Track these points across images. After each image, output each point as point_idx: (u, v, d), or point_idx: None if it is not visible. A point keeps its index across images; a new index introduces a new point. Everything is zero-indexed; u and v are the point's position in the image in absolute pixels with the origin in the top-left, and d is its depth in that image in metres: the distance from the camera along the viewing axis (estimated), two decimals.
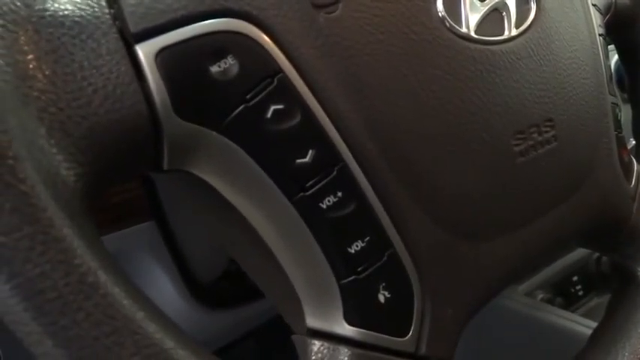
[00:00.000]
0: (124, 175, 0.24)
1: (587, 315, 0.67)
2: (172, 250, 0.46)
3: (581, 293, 0.72)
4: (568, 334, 0.61)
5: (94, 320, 0.18)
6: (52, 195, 0.18)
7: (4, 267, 0.17)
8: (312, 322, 0.25)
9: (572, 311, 0.68)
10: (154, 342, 0.19)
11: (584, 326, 0.61)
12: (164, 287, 0.48)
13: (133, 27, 0.21)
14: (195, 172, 0.24)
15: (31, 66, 0.19)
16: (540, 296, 0.68)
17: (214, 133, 0.23)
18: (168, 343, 0.19)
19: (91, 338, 0.18)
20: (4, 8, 0.19)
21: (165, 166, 0.23)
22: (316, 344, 0.24)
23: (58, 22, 0.20)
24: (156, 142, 0.22)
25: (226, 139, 0.23)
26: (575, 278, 0.71)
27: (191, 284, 0.48)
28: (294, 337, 0.26)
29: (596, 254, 0.72)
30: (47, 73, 0.19)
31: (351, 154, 0.24)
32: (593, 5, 0.35)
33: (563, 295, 0.70)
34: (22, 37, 0.19)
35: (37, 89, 0.19)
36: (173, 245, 0.46)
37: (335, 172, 0.24)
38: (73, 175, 0.19)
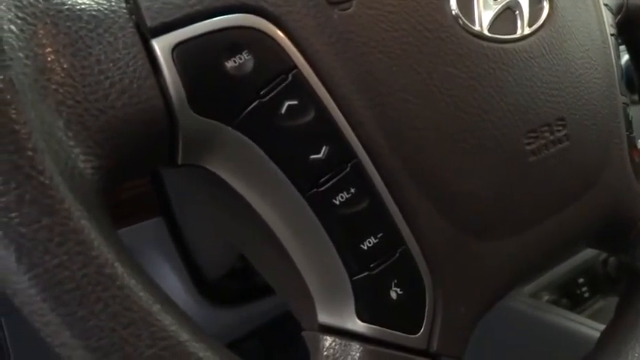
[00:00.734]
0: (140, 170, 0.24)
1: (592, 317, 0.67)
2: (179, 246, 0.46)
3: (586, 295, 0.71)
4: (574, 336, 0.61)
5: (111, 312, 0.18)
6: (70, 187, 0.18)
7: (23, 258, 0.17)
8: (323, 318, 0.25)
9: (578, 313, 0.68)
10: (170, 334, 0.19)
11: (590, 328, 0.61)
12: (170, 283, 0.48)
13: (150, 21, 0.21)
14: (210, 167, 0.24)
15: (49, 59, 0.19)
16: (546, 298, 0.68)
17: (229, 128, 0.23)
18: (184, 336, 0.19)
19: (108, 329, 0.18)
20: (24, 2, 0.19)
21: (180, 161, 0.23)
22: (328, 340, 0.24)
23: (76, 15, 0.20)
24: (171, 136, 0.22)
25: (241, 135, 0.23)
26: (580, 280, 0.71)
27: (197, 281, 0.48)
28: (304, 333, 0.26)
29: (602, 256, 0.72)
30: (65, 66, 0.20)
31: (364, 150, 0.24)
32: (605, 5, 0.35)
33: (569, 296, 0.70)
34: (41, 31, 0.19)
35: (55, 82, 0.19)
36: (180, 241, 0.46)
37: (348, 169, 0.24)
38: (90, 167, 0.20)
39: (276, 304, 0.56)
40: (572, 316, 0.64)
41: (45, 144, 0.18)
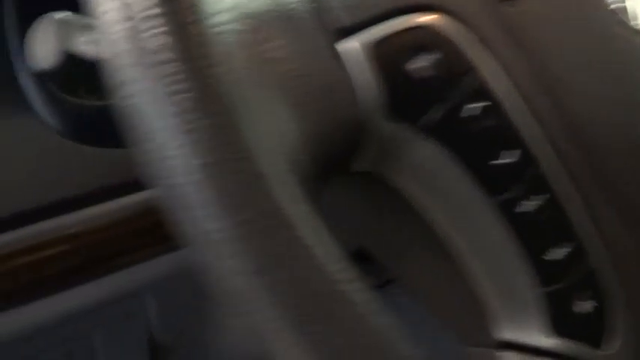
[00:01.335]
0: (330, 177, 0.23)
1: None
2: None
3: None
4: None
5: (350, 329, 0.16)
6: (298, 212, 0.17)
7: (266, 280, 0.15)
8: (503, 333, 0.23)
9: None
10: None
11: None
12: None
13: (336, 22, 0.20)
14: (386, 172, 0.22)
15: (263, 70, 0.18)
16: None
17: (413, 132, 0.21)
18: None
19: (347, 355, 0.16)
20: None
21: (359, 168, 0.22)
22: (513, 357, 0.23)
23: (274, 17, 0.19)
24: (357, 142, 0.21)
25: (427, 138, 0.22)
26: None
27: None
28: (474, 349, 0.25)
29: None
30: (273, 76, 0.18)
31: (553, 153, 0.22)
32: None
33: None
34: (263, 34, 0.18)
35: (265, 97, 0.18)
36: None
37: (538, 172, 0.22)
38: (303, 181, 0.18)
39: None
40: None
41: (269, 167, 0.16)
